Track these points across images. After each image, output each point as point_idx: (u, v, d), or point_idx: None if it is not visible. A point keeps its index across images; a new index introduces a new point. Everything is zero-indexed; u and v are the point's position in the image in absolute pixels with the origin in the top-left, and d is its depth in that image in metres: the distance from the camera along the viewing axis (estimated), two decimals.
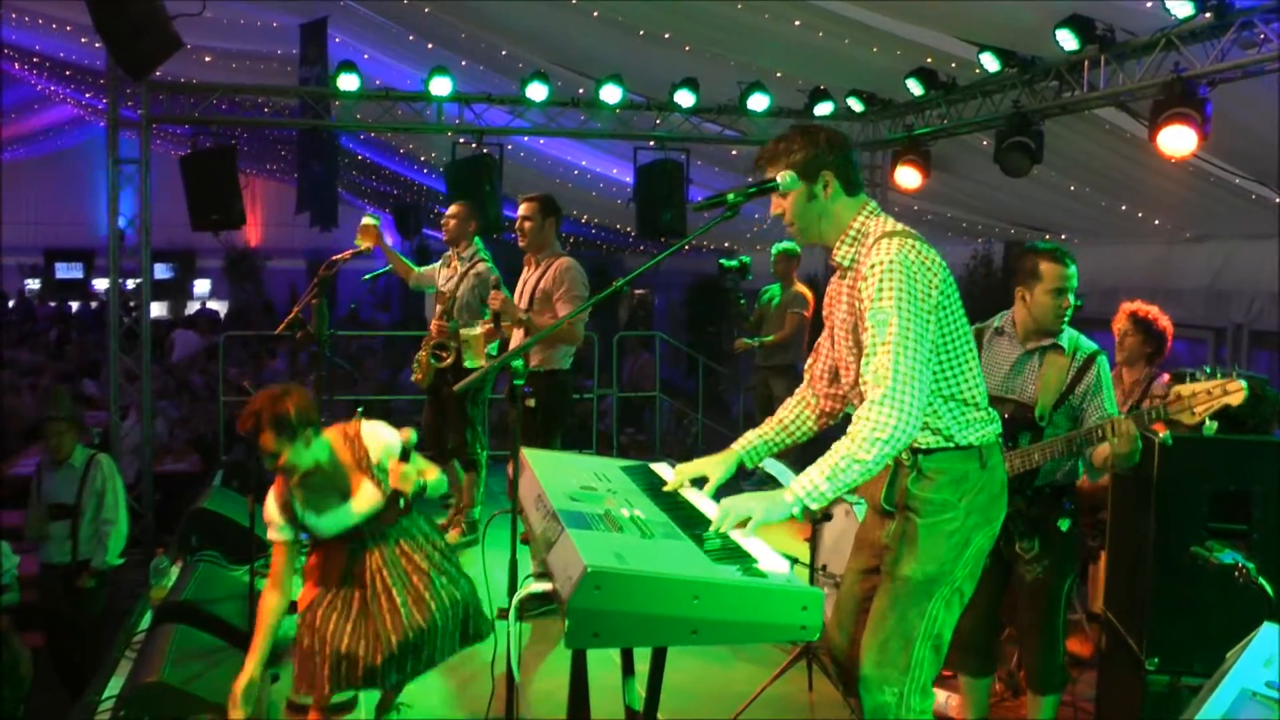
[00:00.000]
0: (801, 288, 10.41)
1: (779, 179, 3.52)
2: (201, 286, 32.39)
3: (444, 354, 7.60)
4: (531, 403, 6.34)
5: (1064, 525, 4.65)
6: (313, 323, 6.85)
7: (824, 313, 3.81)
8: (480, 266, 7.68)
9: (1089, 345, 4.69)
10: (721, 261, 8.14)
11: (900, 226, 3.54)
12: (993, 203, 12.85)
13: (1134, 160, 9.27)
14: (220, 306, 29.98)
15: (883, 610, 3.54)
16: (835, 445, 3.28)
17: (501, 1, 9.97)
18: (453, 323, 7.61)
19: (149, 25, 7.68)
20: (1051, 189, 10.90)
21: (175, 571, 6.57)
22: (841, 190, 3.55)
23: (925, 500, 3.50)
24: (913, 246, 3.40)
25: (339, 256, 7.13)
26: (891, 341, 3.28)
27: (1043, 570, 4.62)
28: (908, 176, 9.98)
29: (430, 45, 12.23)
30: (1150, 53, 7.45)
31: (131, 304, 11.50)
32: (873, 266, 3.37)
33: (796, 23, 8.64)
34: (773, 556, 2.95)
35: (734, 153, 12.83)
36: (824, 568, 6.13)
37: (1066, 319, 4.68)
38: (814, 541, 6.02)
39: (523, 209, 6.77)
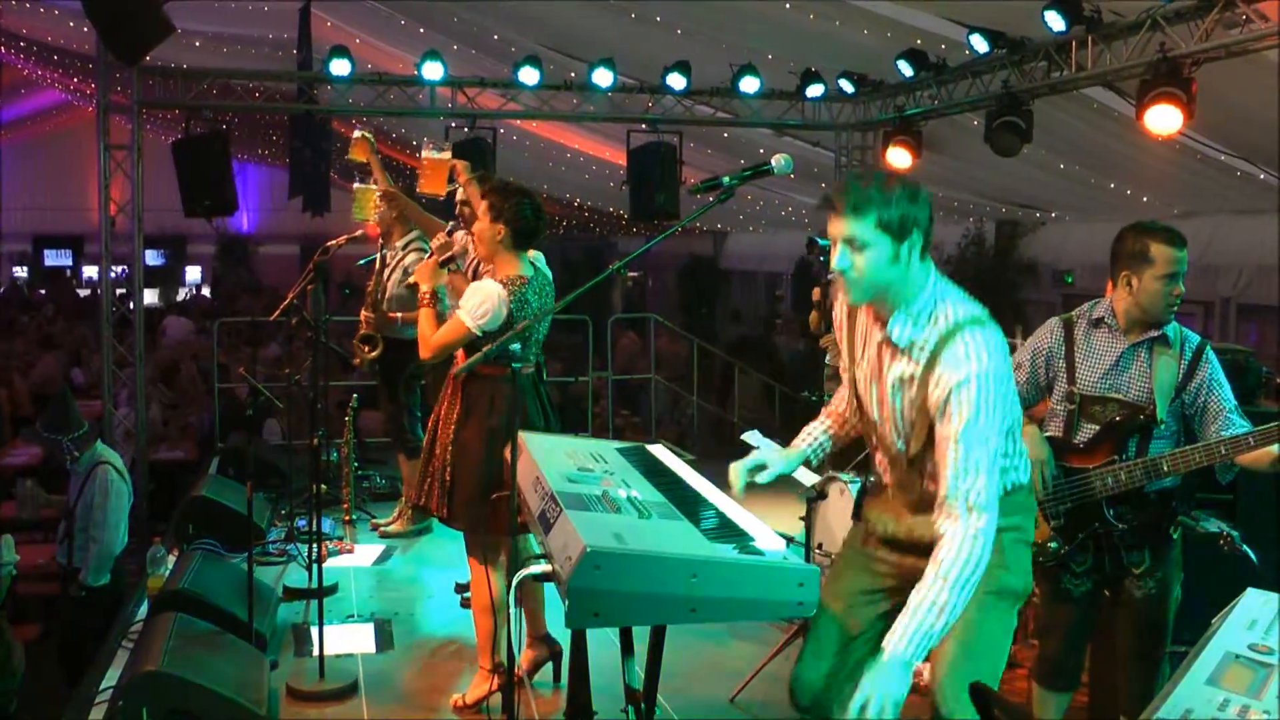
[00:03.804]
0: None
1: (858, 237, 3.08)
2: (193, 273, 32.33)
3: (367, 347, 7.52)
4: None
5: (1176, 534, 4.19)
6: (308, 309, 6.86)
7: (843, 343, 3.43)
8: (411, 258, 7.36)
9: (1193, 335, 4.20)
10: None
11: (971, 313, 3.16)
12: (984, 182, 12.92)
13: (1122, 138, 9.34)
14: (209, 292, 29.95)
15: (965, 641, 3.20)
16: (929, 577, 2.99)
17: None
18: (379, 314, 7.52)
19: (140, 10, 7.68)
20: (1042, 167, 10.96)
21: (172, 560, 6.59)
22: (920, 252, 3.14)
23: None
24: (996, 344, 3.09)
25: (333, 242, 7.13)
26: (986, 464, 3.02)
27: (1155, 585, 4.13)
28: (899, 157, 10.01)
29: (422, 29, 12.24)
30: (1137, 33, 7.50)
31: (121, 291, 11.53)
32: (959, 383, 3.03)
33: (787, 5, 8.68)
34: (769, 534, 3.00)
35: (726, 134, 12.86)
36: (820, 546, 6.19)
37: (1176, 308, 4.14)
38: (809, 520, 6.07)
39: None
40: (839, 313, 3.44)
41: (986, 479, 3.01)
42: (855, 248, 3.08)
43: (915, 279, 3.13)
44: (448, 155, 6.04)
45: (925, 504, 3.21)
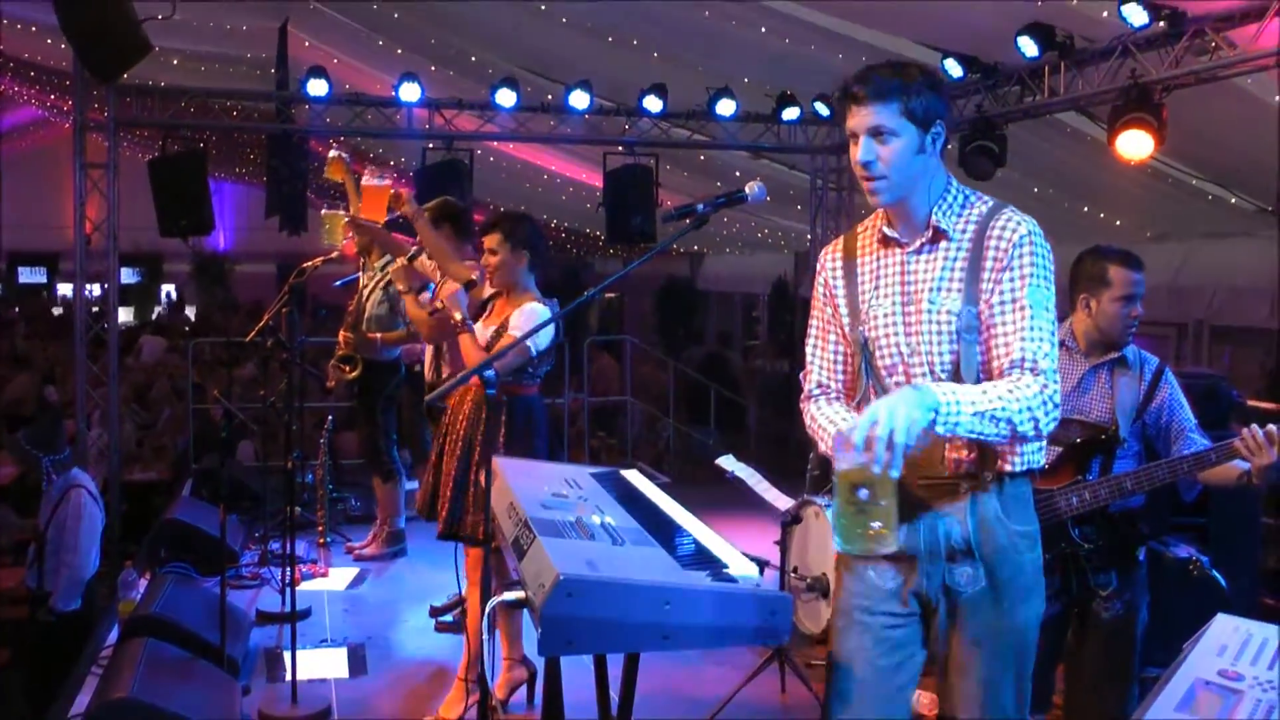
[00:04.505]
0: None
1: (886, 126, 2.92)
2: (169, 291, 32.16)
3: (347, 368, 7.51)
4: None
5: (1142, 556, 4.21)
6: (283, 330, 6.85)
7: (835, 291, 3.23)
8: (390, 279, 7.34)
9: (1151, 357, 4.28)
10: None
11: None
12: None
13: (1095, 163, 9.41)
14: (188, 312, 29.80)
15: (992, 680, 3.03)
16: (989, 388, 2.83)
17: (470, 6, 10.00)
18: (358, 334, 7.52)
19: (118, 28, 7.66)
20: (1015, 190, 11.01)
21: (144, 584, 6.55)
22: (941, 148, 3.04)
23: (1021, 534, 3.04)
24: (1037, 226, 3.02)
25: (309, 263, 7.13)
26: (1050, 327, 2.93)
27: (1123, 607, 4.16)
28: None
29: (399, 50, 12.25)
30: (1108, 59, 7.58)
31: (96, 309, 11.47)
32: (1021, 237, 2.93)
33: (763, 29, 8.72)
34: (742, 561, 3.01)
35: (702, 157, 12.90)
36: (794, 570, 6.20)
37: (1135, 329, 4.22)
38: (784, 544, 6.08)
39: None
40: (828, 278, 3.25)
41: (1052, 349, 2.92)
42: (880, 138, 2.95)
43: (941, 170, 3.06)
44: (388, 183, 6.10)
45: (942, 475, 3.02)
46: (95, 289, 11.50)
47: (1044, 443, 3.06)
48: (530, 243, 5.15)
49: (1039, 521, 4.06)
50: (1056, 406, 2.86)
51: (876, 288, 3.12)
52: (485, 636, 3.10)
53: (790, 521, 6.10)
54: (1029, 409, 2.80)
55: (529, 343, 4.84)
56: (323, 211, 6.71)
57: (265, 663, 6.07)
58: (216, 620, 5.42)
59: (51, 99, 21.08)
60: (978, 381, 2.97)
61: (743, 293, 24.84)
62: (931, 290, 3.03)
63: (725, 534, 3.26)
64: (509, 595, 2.87)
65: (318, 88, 10.05)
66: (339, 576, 7.53)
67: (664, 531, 3.23)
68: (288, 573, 6.18)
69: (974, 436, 2.79)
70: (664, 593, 2.70)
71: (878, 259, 3.14)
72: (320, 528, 8.14)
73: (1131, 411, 4.15)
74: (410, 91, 10.13)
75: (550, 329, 4.99)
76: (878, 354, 3.10)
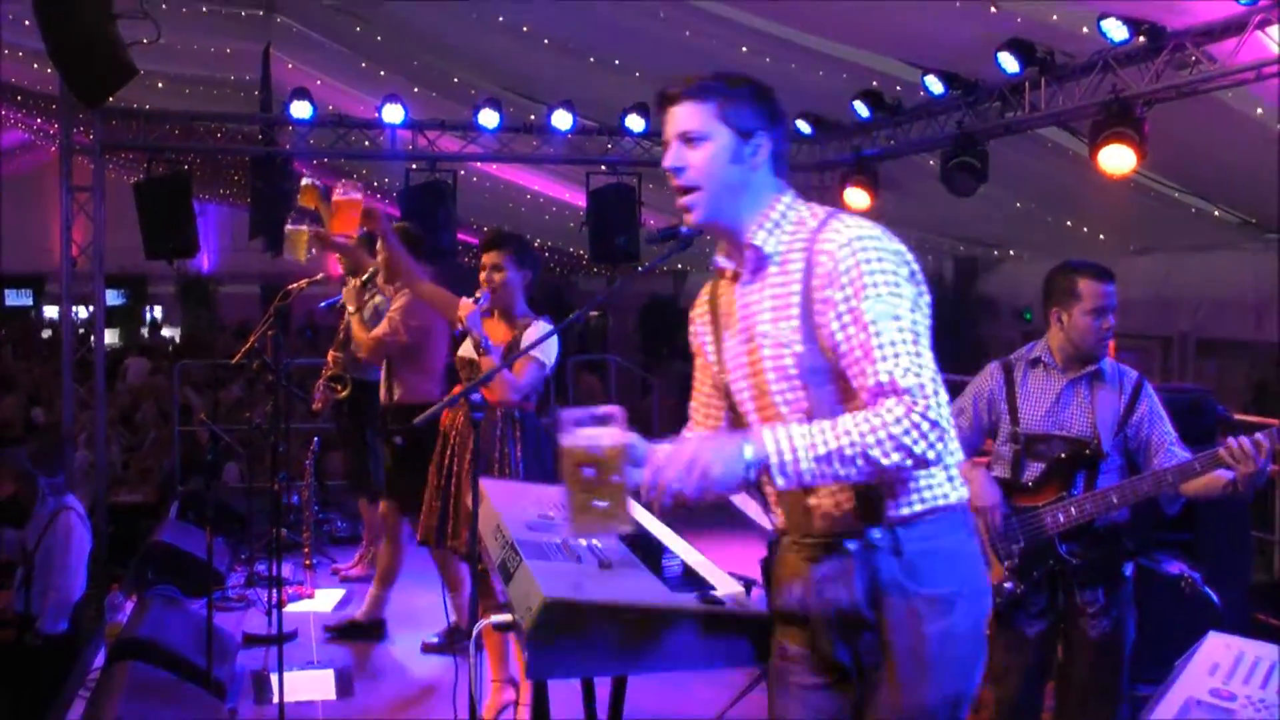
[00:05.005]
0: None
1: (697, 128, 2.64)
2: (153, 313, 32.10)
3: (339, 387, 7.49)
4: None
5: (1129, 572, 4.18)
6: (269, 353, 6.84)
7: (702, 335, 2.95)
8: (379, 298, 7.17)
9: (1130, 371, 4.27)
10: None
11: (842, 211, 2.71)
12: (941, 221, 13.03)
13: (1077, 176, 9.45)
14: (172, 333, 29.75)
15: None
16: (839, 421, 2.43)
17: (453, 28, 10.04)
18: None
19: (103, 52, 7.66)
20: (998, 206, 11.07)
21: (130, 606, 6.53)
22: (770, 165, 2.69)
23: (926, 600, 2.59)
24: (882, 230, 2.61)
25: (295, 285, 7.12)
26: (908, 337, 2.48)
27: (1110, 624, 4.12)
28: (856, 197, 10.08)
29: (382, 72, 12.27)
30: (1089, 74, 7.61)
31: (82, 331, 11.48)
32: (843, 247, 2.52)
33: (744, 48, 8.75)
34: (729, 582, 3.01)
35: None
36: None
37: (1108, 341, 4.22)
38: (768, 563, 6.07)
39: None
40: (696, 324, 2.97)
41: (915, 360, 2.46)
42: (691, 143, 2.64)
43: (768, 186, 2.69)
44: (359, 197, 6.11)
45: (822, 533, 2.69)
46: (81, 311, 11.48)
47: (957, 471, 2.67)
48: (533, 264, 5.25)
49: (1028, 539, 4.09)
50: (937, 425, 2.41)
51: (728, 327, 2.80)
52: (472, 658, 3.10)
53: (776, 540, 6.09)
54: (892, 437, 2.38)
55: (547, 363, 4.95)
56: (286, 227, 6.71)
57: (253, 685, 6.05)
58: (203, 643, 5.40)
59: (38, 123, 21.06)
60: None
61: None
62: (762, 325, 2.67)
63: (710, 553, 3.27)
64: (497, 618, 2.87)
65: (301, 110, 10.05)
66: (325, 598, 7.51)
67: (650, 553, 3.23)
68: (274, 595, 6.16)
69: (830, 480, 2.45)
70: (652, 615, 2.71)
71: (728, 295, 2.80)
72: (306, 549, 8.12)
73: (1113, 425, 4.15)
74: (393, 113, 10.14)
75: (556, 347, 5.02)
76: (736, 399, 2.81)
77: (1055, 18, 7.42)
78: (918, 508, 2.60)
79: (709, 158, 2.63)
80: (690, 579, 3.05)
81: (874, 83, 9.31)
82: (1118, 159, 7.19)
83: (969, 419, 4.38)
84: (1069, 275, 4.19)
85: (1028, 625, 4.20)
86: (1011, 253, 14.59)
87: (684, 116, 2.65)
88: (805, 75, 9.31)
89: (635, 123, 10.31)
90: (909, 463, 2.41)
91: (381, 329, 6.27)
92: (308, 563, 8.03)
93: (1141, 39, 7.01)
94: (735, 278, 2.77)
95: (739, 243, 2.70)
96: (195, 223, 10.05)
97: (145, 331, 30.08)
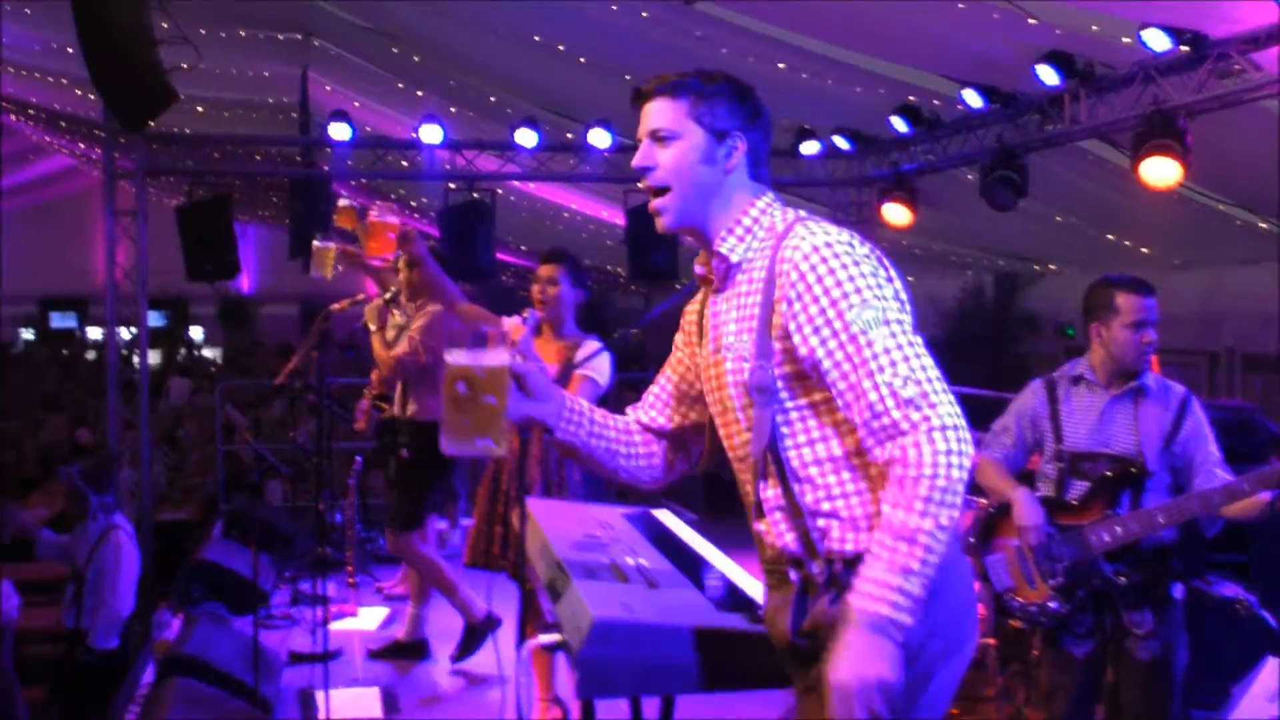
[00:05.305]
0: None
1: (667, 126, 2.54)
2: (194, 333, 32.37)
3: (386, 405, 7.49)
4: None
5: (1178, 594, 4.12)
6: (311, 373, 6.88)
7: (686, 342, 2.86)
8: (401, 316, 7.01)
9: (1176, 386, 4.22)
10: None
11: (812, 216, 2.54)
12: (981, 235, 12.98)
13: (1119, 190, 9.39)
14: (214, 353, 29.99)
15: None
16: (888, 519, 2.24)
17: (489, 47, 10.08)
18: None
19: (145, 79, 7.74)
20: (1038, 220, 11.01)
21: (177, 623, 6.58)
22: (746, 169, 2.58)
23: None
24: (850, 233, 2.44)
25: (336, 305, 7.17)
26: (901, 341, 2.31)
27: (1160, 647, 4.05)
28: (896, 213, 10.04)
29: (420, 92, 12.34)
30: (1129, 85, 7.54)
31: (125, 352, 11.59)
32: (808, 256, 2.35)
33: (781, 65, 8.75)
34: None
35: None
36: None
37: (1149, 356, 4.18)
38: None
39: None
40: (686, 321, 2.86)
41: (911, 364, 2.28)
42: (661, 141, 2.55)
43: (738, 195, 2.56)
44: (394, 220, 6.14)
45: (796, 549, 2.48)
46: (124, 332, 11.60)
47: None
48: (585, 285, 5.30)
49: (1073, 558, 4.05)
50: (955, 428, 2.24)
51: (705, 334, 2.69)
52: (521, 677, 3.10)
53: None
54: (926, 478, 2.21)
55: (601, 381, 4.95)
56: (314, 244, 6.74)
57: (299, 702, 6.08)
58: (249, 660, 5.45)
59: (80, 148, 21.36)
60: (779, 462, 2.47)
61: None
62: (727, 337, 2.55)
63: (756, 572, 3.26)
64: (545, 638, 2.86)
65: (340, 132, 10.13)
66: (369, 616, 7.54)
67: (697, 572, 3.23)
68: (319, 613, 6.20)
69: (931, 560, 2.21)
70: (700, 636, 2.70)
71: (711, 301, 2.68)
72: (349, 568, 8.16)
73: (1159, 442, 4.11)
74: (431, 133, 10.19)
75: (611, 366, 5.03)
76: (711, 414, 2.70)
77: (1095, 28, 7.36)
78: (865, 545, 2.35)
79: (678, 157, 2.53)
80: (737, 598, 3.04)
81: (912, 97, 9.28)
82: (1160, 171, 7.12)
83: (1012, 437, 4.37)
84: (1107, 289, 4.18)
85: (1075, 646, 4.17)
86: (1052, 267, 14.51)
87: (655, 114, 2.56)
88: (843, 90, 9.30)
89: None
90: (963, 459, 2.23)
91: (401, 348, 6.30)
92: (351, 581, 8.08)
93: (1184, 48, 6.93)
94: (710, 284, 2.66)
95: (710, 250, 2.59)
96: (236, 245, 10.13)
97: (186, 352, 30.33)
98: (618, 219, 11.91)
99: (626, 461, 2.87)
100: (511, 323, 4.66)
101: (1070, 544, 4.12)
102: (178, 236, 9.98)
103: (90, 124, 15.75)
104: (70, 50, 9.10)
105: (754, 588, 3.12)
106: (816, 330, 2.34)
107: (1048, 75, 7.66)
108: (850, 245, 2.38)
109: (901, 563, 2.20)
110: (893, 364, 2.27)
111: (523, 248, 20.39)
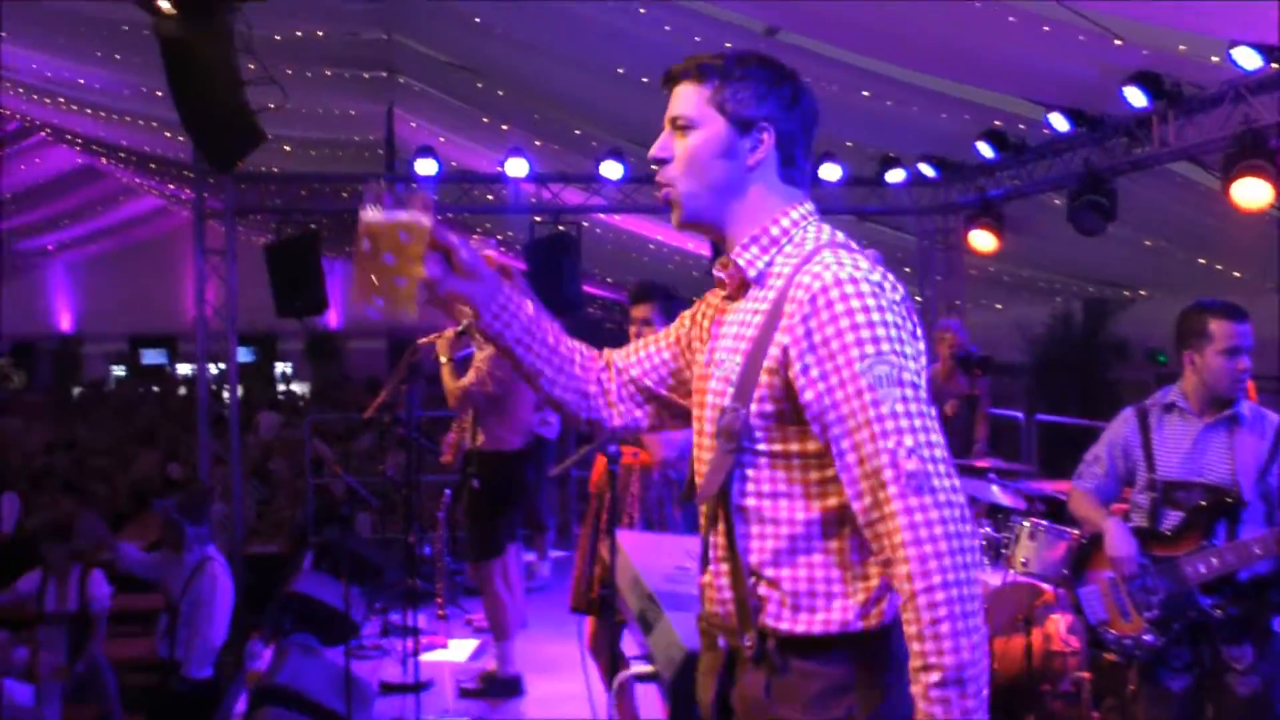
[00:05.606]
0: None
1: (687, 113, 2.25)
2: (282, 368, 32.84)
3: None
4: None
5: (1277, 626, 4.04)
6: (400, 407, 6.95)
7: (691, 330, 2.48)
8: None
9: (1271, 414, 4.13)
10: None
11: (849, 241, 2.22)
12: (1069, 261, 12.82)
13: (1209, 212, 9.24)
14: (301, 388, 30.40)
15: None
16: (909, 606, 1.97)
17: (573, 81, 10.16)
18: None
19: (233, 120, 7.91)
20: (1127, 245, 10.86)
21: (268, 654, 6.66)
22: (776, 165, 2.24)
23: None
24: (883, 273, 2.11)
25: (424, 339, 7.24)
26: (913, 409, 2.02)
27: (1262, 682, 3.96)
28: (983, 239, 9.95)
29: (505, 126, 12.46)
30: (1219, 105, 7.42)
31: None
32: (827, 290, 2.05)
33: (865, 93, 8.73)
34: None
35: None
36: None
37: (1244, 383, 4.08)
38: None
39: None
40: (700, 310, 2.48)
41: (919, 434, 2.00)
42: (681, 130, 2.25)
43: (764, 197, 2.24)
44: (490, 253, 6.18)
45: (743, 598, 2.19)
46: (212, 368, 11.83)
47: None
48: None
49: (1168, 590, 3.95)
50: (961, 519, 1.97)
51: (705, 341, 2.39)
52: (611, 711, 3.10)
53: None
54: (935, 569, 1.94)
55: None
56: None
57: None
58: (341, 690, 5.50)
59: (171, 188, 21.81)
60: (729, 511, 2.18)
61: None
62: (720, 353, 2.27)
63: None
64: (638, 669, 2.86)
65: (426, 167, 10.26)
66: (459, 648, 7.57)
67: None
68: (409, 644, 6.24)
69: (963, 660, 1.93)
70: None
71: (722, 308, 2.38)
72: (439, 599, 8.21)
73: (1255, 472, 4.03)
74: (517, 167, 10.27)
75: None
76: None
77: (1183, 48, 7.26)
78: (805, 628, 2.12)
79: (694, 149, 2.23)
80: None
81: (997, 122, 9.22)
82: (1252, 192, 6.99)
83: (1104, 467, 4.31)
84: (1200, 315, 4.10)
85: (1172, 680, 4.08)
86: (1142, 293, 14.28)
87: (678, 99, 2.27)
88: (928, 117, 9.26)
89: None
90: (965, 543, 1.96)
91: (469, 379, 6.35)
92: (441, 613, 8.12)
93: (1275, 66, 6.81)
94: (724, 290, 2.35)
95: (727, 256, 2.28)
96: (324, 282, 10.28)
97: (276, 387, 30.78)
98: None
99: (551, 387, 2.50)
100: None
101: (1165, 576, 4.04)
102: (266, 274, 10.16)
103: (180, 165, 16.12)
104: (160, 94, 9.31)
105: None
106: (824, 376, 2.05)
107: (1135, 97, 7.55)
108: (880, 286, 2.07)
109: (958, 715, 1.93)
110: (899, 431, 1.99)
111: (609, 280, 20.47)
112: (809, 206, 2.26)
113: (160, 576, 7.16)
